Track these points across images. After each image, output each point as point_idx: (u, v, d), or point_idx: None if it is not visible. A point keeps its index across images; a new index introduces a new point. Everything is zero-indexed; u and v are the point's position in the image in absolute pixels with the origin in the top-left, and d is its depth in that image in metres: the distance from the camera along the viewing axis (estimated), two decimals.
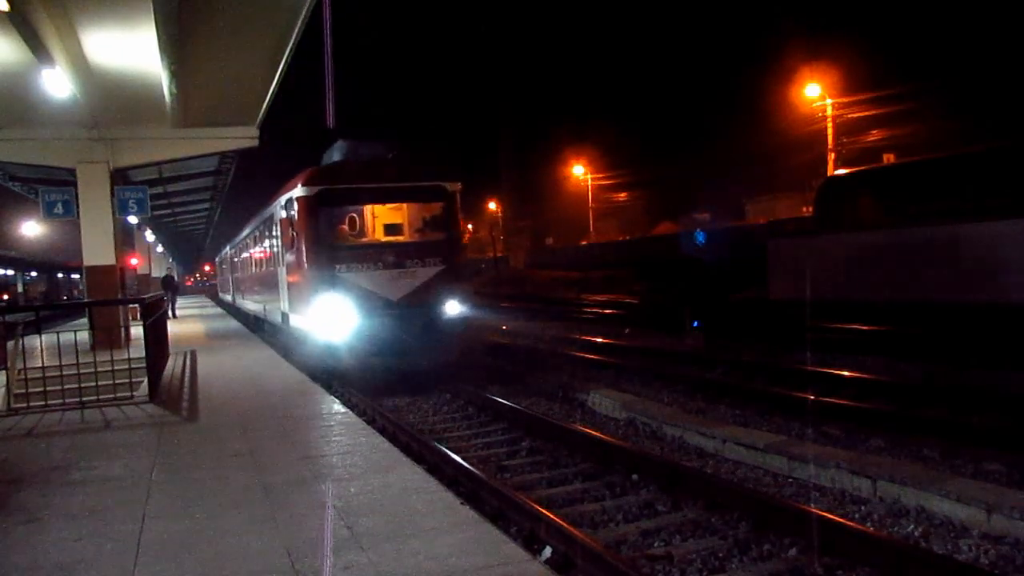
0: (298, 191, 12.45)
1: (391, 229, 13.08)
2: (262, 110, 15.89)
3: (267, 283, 17.68)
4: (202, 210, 34.50)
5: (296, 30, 11.63)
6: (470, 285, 14.08)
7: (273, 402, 9.44)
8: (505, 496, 6.50)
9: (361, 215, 13.15)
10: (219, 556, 4.45)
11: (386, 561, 4.26)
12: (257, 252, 20.24)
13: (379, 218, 13.21)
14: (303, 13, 11.08)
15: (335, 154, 13.60)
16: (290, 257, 13.30)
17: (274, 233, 15.37)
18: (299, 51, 12.77)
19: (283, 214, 13.84)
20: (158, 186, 22.47)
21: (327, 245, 12.30)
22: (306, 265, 12.35)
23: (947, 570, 4.88)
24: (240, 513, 5.19)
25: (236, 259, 28.07)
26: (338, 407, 8.95)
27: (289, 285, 13.85)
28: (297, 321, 13.38)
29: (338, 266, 12.03)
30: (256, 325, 22.43)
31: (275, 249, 15.44)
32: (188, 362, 13.76)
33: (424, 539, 4.56)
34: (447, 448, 8.28)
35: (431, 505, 5.20)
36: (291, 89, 16.07)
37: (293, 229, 12.71)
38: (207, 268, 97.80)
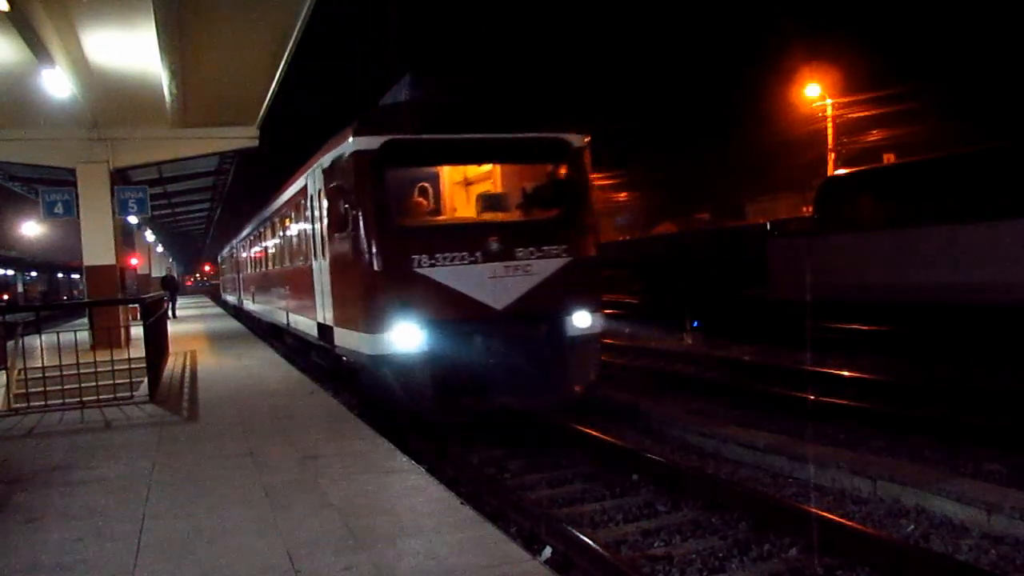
0: (351, 144, 8.45)
1: (492, 203, 9.35)
2: (262, 110, 15.88)
3: (292, 284, 13.61)
4: (202, 210, 34.52)
5: (296, 30, 11.62)
6: (601, 285, 9.72)
7: (274, 402, 9.43)
8: None
9: (445, 183, 10.02)
10: (219, 556, 4.45)
11: (386, 561, 4.26)
12: (277, 243, 15.89)
13: (474, 186, 9.89)
14: (303, 13, 11.07)
15: (402, 96, 9.32)
16: (337, 247, 9.22)
17: (306, 215, 11.45)
18: (299, 51, 12.76)
19: (322, 185, 9.76)
20: (158, 186, 22.46)
21: (397, 227, 8.50)
22: (365, 257, 8.36)
23: (947, 570, 4.88)
24: (240, 513, 5.19)
25: (245, 254, 23.98)
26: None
27: (333, 287, 9.62)
28: (346, 339, 9.16)
29: (416, 258, 8.15)
30: (270, 333, 18.93)
31: (308, 237, 11.42)
32: (188, 362, 13.76)
33: (424, 539, 4.56)
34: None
35: (431, 505, 5.20)
36: (291, 89, 15.98)
37: (342, 204, 8.62)
38: (207, 268, 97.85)
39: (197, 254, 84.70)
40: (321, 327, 10.59)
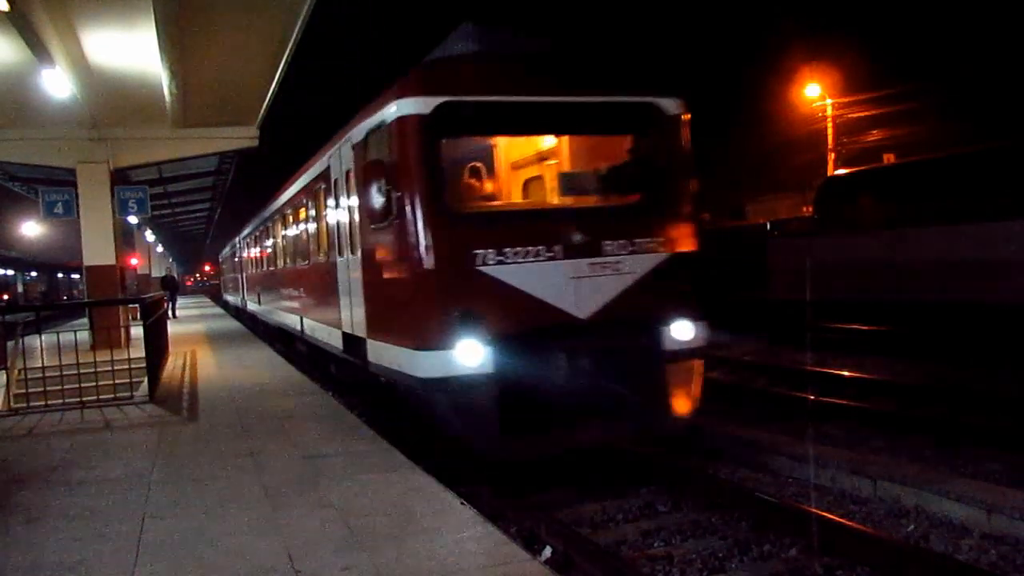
0: (396, 108, 6.83)
1: (572, 184, 7.83)
2: (262, 110, 15.88)
3: (309, 285, 11.97)
4: (202, 210, 34.54)
5: (296, 30, 11.62)
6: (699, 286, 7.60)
7: (274, 402, 9.43)
8: None
9: (502, 158, 8.51)
10: (219, 556, 4.45)
11: (386, 561, 4.26)
12: (289, 238, 14.12)
13: (548, 162, 8.17)
14: (303, 13, 11.07)
15: (458, 51, 7.51)
16: (373, 240, 7.61)
17: (328, 203, 9.86)
18: (299, 51, 12.76)
19: (352, 165, 8.24)
20: (158, 186, 22.47)
21: (457, 213, 6.96)
22: (415, 251, 6.66)
23: (947, 570, 4.88)
24: (240, 513, 5.19)
25: (250, 252, 22.12)
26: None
27: (367, 289, 8.03)
28: (385, 355, 7.46)
29: (480, 254, 6.56)
30: (277, 338, 17.26)
31: (330, 229, 9.78)
32: (188, 362, 13.76)
33: (424, 539, 4.56)
34: None
35: (431, 505, 5.19)
36: (291, 89, 15.90)
37: (382, 185, 6.81)
38: (207, 268, 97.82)
39: (197, 254, 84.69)
40: (348, 338, 8.87)
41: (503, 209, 7.85)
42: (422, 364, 6.57)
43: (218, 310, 36.25)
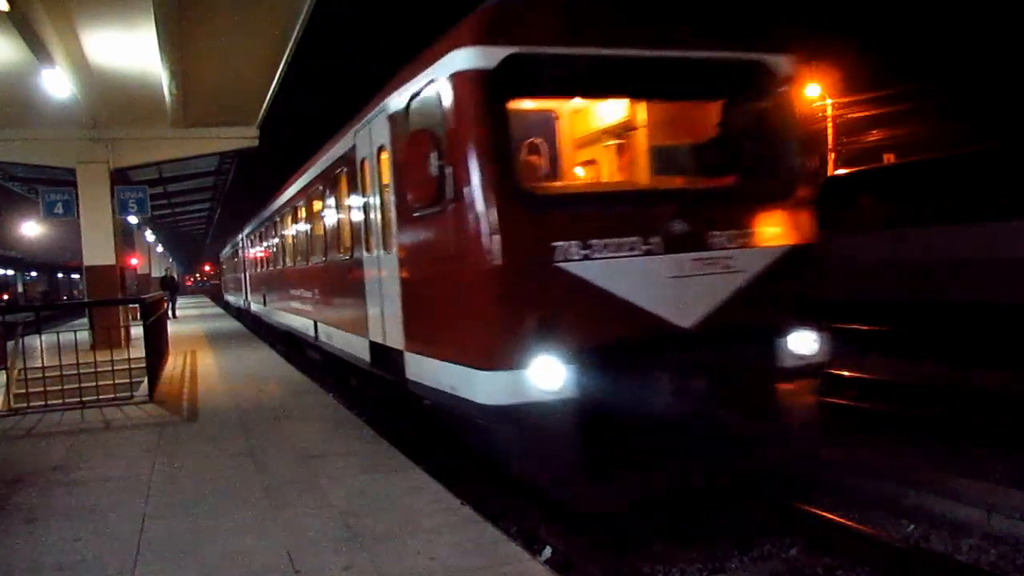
0: (452, 61, 5.55)
1: (669, 160, 6.51)
2: (262, 110, 15.90)
3: (326, 285, 10.68)
4: (202, 210, 34.57)
5: (296, 30, 11.63)
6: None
7: (274, 402, 9.43)
8: None
9: (566, 128, 7.18)
10: (219, 556, 4.45)
11: (386, 561, 4.26)
12: (302, 233, 12.86)
13: (639, 134, 6.60)
14: (303, 13, 11.08)
15: None
16: (420, 228, 6.28)
17: (352, 189, 8.61)
18: (299, 51, 12.76)
19: (388, 140, 6.96)
20: (158, 186, 22.49)
21: (530, 194, 5.61)
22: (477, 242, 5.33)
23: (947, 570, 4.88)
24: (240, 513, 5.19)
25: (254, 250, 20.65)
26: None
27: (407, 290, 6.71)
28: (431, 373, 6.15)
29: (561, 246, 5.32)
30: (283, 341, 16.33)
31: (355, 221, 8.52)
32: (188, 362, 13.76)
33: (424, 539, 4.56)
34: None
35: (431, 505, 5.19)
36: (292, 89, 15.88)
37: (431, 161, 5.63)
38: (207, 268, 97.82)
39: (197, 254, 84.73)
40: (377, 348, 7.68)
41: (589, 191, 6.56)
42: (485, 387, 5.27)
43: (218, 310, 36.26)
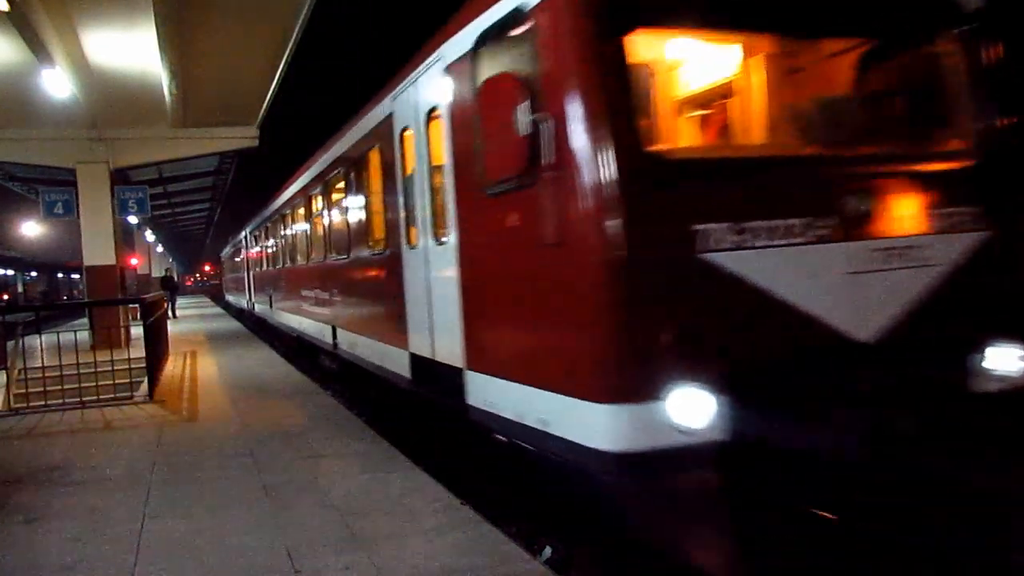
0: None
1: (842, 123, 4.91)
2: (262, 110, 15.91)
3: (351, 285, 9.35)
4: (202, 210, 34.60)
5: (296, 29, 11.64)
6: None
7: (274, 402, 9.43)
8: None
9: (754, 76, 5.19)
10: (219, 556, 4.45)
11: (386, 561, 4.26)
12: (320, 225, 11.27)
13: (804, 88, 5.10)
14: (304, 12, 11.09)
15: None
16: (494, 209, 4.91)
17: (392, 168, 7.15)
18: (299, 51, 12.77)
19: (442, 98, 5.70)
20: (158, 186, 22.52)
21: (663, 159, 4.26)
22: (592, 223, 3.94)
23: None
24: (240, 513, 5.19)
25: (261, 247, 19.33)
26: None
27: (471, 291, 5.46)
28: (508, 401, 4.93)
29: (704, 231, 3.96)
30: (291, 344, 15.18)
31: (396, 205, 7.07)
32: (188, 362, 13.76)
33: (424, 539, 4.56)
34: None
35: (431, 505, 5.19)
36: (291, 89, 15.87)
37: (525, 112, 4.27)
38: (207, 268, 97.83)
39: (197, 254, 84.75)
40: (420, 363, 6.48)
41: (740, 155, 4.98)
42: (602, 426, 3.92)
43: (218, 310, 36.25)
